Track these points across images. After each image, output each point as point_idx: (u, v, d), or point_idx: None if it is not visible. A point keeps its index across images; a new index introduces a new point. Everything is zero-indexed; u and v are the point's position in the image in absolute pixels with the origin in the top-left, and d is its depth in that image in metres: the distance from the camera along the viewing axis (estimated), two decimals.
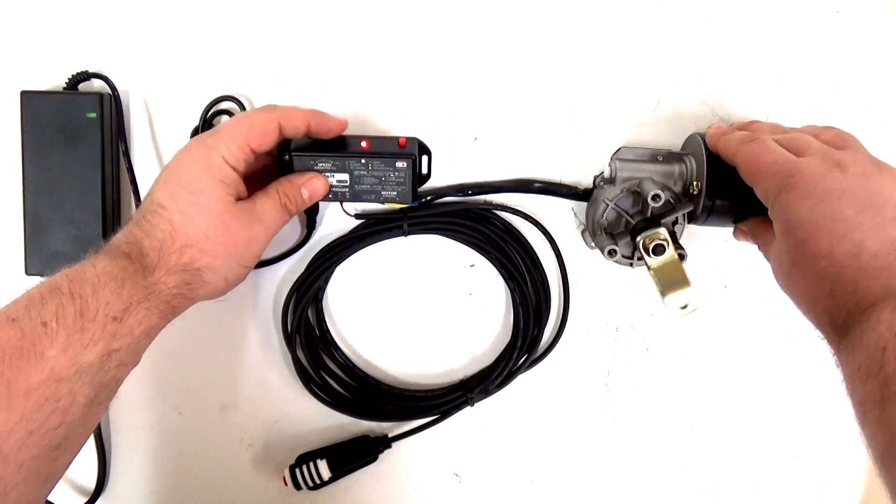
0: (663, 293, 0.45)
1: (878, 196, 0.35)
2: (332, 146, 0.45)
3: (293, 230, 0.51)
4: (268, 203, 0.42)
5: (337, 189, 0.46)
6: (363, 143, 0.44)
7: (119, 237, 0.38)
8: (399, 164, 0.45)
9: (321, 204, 0.50)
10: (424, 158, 0.47)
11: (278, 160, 0.45)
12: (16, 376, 0.32)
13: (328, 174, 0.45)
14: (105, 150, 0.48)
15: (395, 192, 0.46)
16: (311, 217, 0.50)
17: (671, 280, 0.44)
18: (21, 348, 0.32)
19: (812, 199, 0.35)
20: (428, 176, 0.48)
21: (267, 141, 0.41)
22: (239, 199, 0.41)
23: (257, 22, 0.49)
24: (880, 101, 0.50)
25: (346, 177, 0.45)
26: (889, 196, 0.35)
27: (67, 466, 0.36)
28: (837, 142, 0.39)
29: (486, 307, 0.52)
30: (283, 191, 0.43)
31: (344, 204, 0.49)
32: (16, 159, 0.47)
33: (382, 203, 0.48)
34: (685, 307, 0.45)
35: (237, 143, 0.40)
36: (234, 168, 0.40)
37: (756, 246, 0.44)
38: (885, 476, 0.31)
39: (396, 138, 0.45)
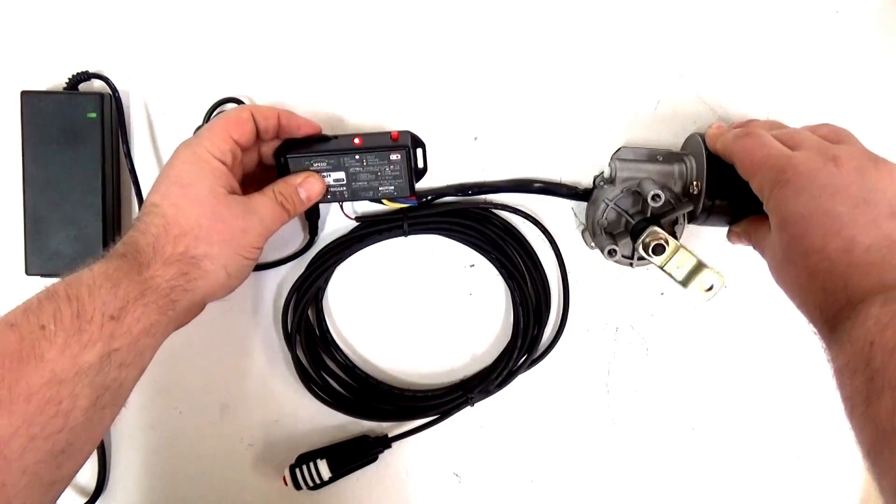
0: (684, 284, 0.44)
1: (873, 191, 0.35)
2: (327, 146, 0.45)
3: (296, 235, 0.51)
4: (262, 199, 0.43)
5: (335, 189, 0.46)
6: (356, 140, 0.45)
7: (118, 243, 0.39)
8: (393, 157, 0.45)
9: (322, 208, 0.50)
10: (419, 152, 0.47)
11: (276, 164, 0.45)
12: (16, 380, 0.32)
13: (324, 173, 0.45)
14: (105, 150, 0.48)
15: (393, 187, 0.46)
16: (313, 223, 0.50)
17: (685, 270, 0.44)
18: (20, 352, 0.32)
19: (806, 193, 0.35)
20: (425, 170, 0.48)
21: (246, 130, 0.42)
22: (232, 192, 0.41)
23: (257, 22, 0.49)
24: (880, 101, 0.50)
25: (342, 175, 0.45)
26: (884, 191, 0.35)
27: (75, 473, 0.36)
28: (833, 136, 0.39)
29: (486, 307, 0.52)
30: (279, 189, 0.43)
31: (344, 207, 0.50)
32: (16, 159, 0.47)
33: (381, 199, 0.48)
34: (710, 289, 0.44)
35: (219, 135, 0.41)
36: (220, 161, 0.41)
37: (750, 247, 0.44)
38: (872, 470, 0.31)
39: (389, 133, 0.45)
